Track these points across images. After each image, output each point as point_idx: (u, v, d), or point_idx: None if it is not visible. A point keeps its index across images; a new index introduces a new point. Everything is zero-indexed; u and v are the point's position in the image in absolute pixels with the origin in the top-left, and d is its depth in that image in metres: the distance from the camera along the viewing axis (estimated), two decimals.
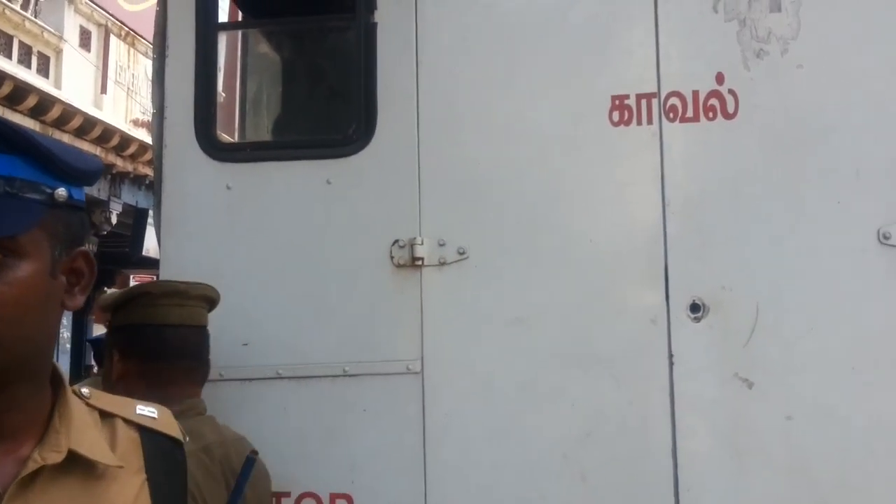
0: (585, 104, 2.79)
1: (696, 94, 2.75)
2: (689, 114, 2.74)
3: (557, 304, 2.71)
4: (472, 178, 2.82)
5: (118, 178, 13.83)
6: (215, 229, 2.89)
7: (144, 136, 15.12)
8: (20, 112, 10.75)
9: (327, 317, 2.79)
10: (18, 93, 10.55)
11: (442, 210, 2.80)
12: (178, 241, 2.90)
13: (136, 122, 18.39)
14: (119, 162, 13.39)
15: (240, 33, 3.66)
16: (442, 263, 2.76)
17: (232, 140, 3.40)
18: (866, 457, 2.58)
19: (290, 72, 3.63)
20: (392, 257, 2.78)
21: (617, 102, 2.77)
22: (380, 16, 2.88)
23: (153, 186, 3.00)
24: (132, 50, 19.26)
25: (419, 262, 2.76)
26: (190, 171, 2.91)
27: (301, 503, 2.72)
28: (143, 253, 14.58)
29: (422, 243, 2.76)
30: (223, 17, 3.38)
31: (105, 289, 17.74)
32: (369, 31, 2.87)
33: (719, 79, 2.74)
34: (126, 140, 13.33)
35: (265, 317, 2.82)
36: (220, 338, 2.79)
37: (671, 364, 2.63)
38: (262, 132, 3.66)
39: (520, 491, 2.65)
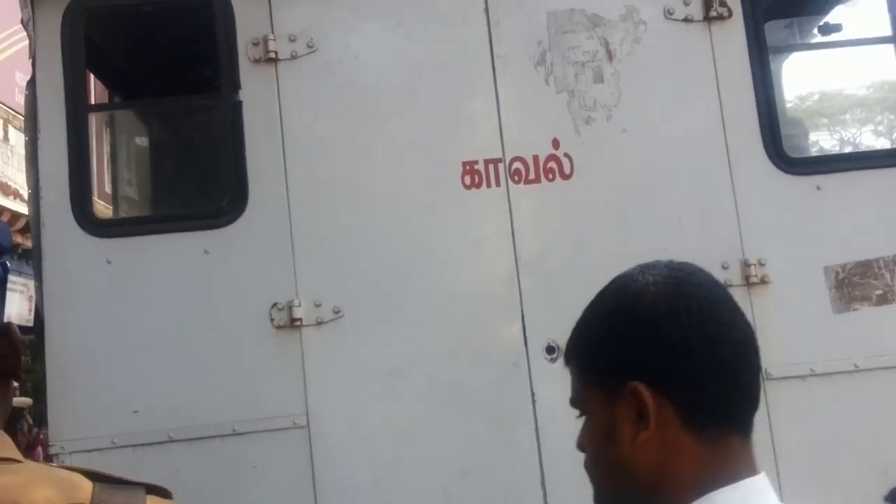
0: (439, 170, 3.06)
1: (536, 158, 3.07)
2: (532, 176, 3.07)
3: (427, 354, 2.97)
4: (342, 241, 3.05)
5: None
6: (98, 302, 2.99)
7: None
8: None
9: (214, 379, 2.95)
10: None
11: (316, 273, 3.01)
12: (61, 316, 2.98)
13: None
14: None
15: (111, 114, 3.77)
16: (319, 323, 2.98)
17: (109, 216, 3.49)
18: None
19: (163, 148, 3.75)
20: (272, 319, 2.97)
21: (468, 167, 3.05)
22: (244, 94, 3.05)
23: (32, 263, 3.10)
24: None
25: (298, 323, 2.96)
26: (69, 248, 2.99)
27: None
28: (5, 320, 14.06)
29: (299, 305, 2.97)
30: (94, 97, 3.51)
31: None
32: (235, 110, 3.04)
33: (555, 144, 3.08)
34: None
35: (154, 383, 2.95)
36: (111, 407, 2.93)
37: (534, 402, 2.94)
38: (139, 207, 3.77)
39: None
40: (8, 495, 1.35)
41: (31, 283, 15.31)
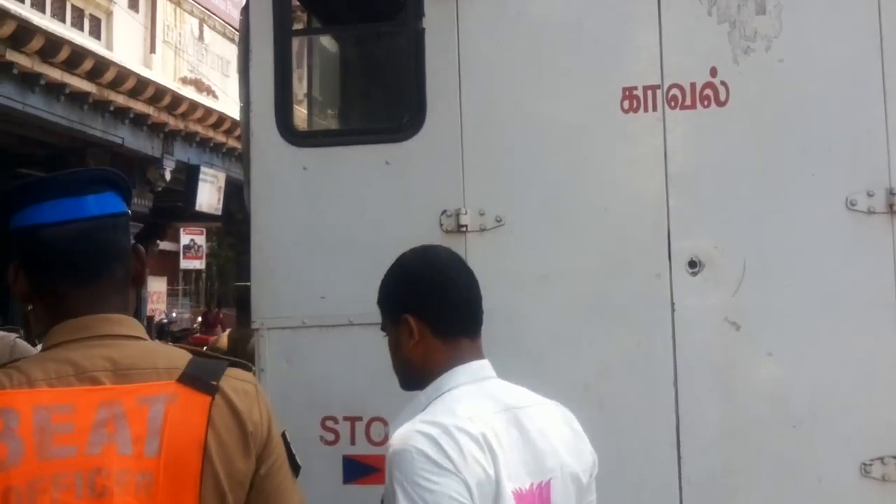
0: (600, 95, 3.29)
1: (693, 85, 3.26)
2: (688, 102, 3.25)
3: (578, 263, 3.27)
4: (507, 157, 3.36)
5: (170, 137, 14.38)
6: (295, 203, 3.46)
7: (194, 95, 15.77)
8: (78, 75, 11.30)
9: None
10: (75, 57, 11.08)
11: (482, 185, 3.34)
12: (265, 214, 3.48)
13: (184, 80, 18.98)
14: (171, 121, 13.89)
15: (309, 38, 4.24)
16: (482, 229, 3.32)
17: (306, 129, 3.97)
18: (832, 388, 3.16)
19: (353, 70, 4.19)
20: (441, 225, 3.36)
21: (627, 93, 3.28)
22: (427, 22, 3.39)
23: (242, 166, 3.61)
24: (178, 9, 19.84)
25: (464, 229, 3.32)
26: (272, 155, 3.47)
27: (371, 425, 3.37)
28: (197, 208, 15.30)
29: (466, 213, 3.32)
30: (297, 24, 3.97)
31: (158, 241, 18.56)
32: (419, 36, 3.39)
33: (713, 72, 3.24)
34: (177, 99, 13.83)
35: (339, 274, 3.41)
36: (303, 293, 3.42)
37: (673, 311, 3.19)
38: (332, 121, 4.25)
39: None
40: (132, 360, 1.78)
41: (221, 175, 16.16)
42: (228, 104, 19.74)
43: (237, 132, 15.48)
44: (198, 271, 27.08)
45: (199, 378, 1.80)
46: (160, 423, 1.72)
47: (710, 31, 3.25)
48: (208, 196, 15.54)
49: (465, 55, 3.39)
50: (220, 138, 15.43)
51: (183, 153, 14.89)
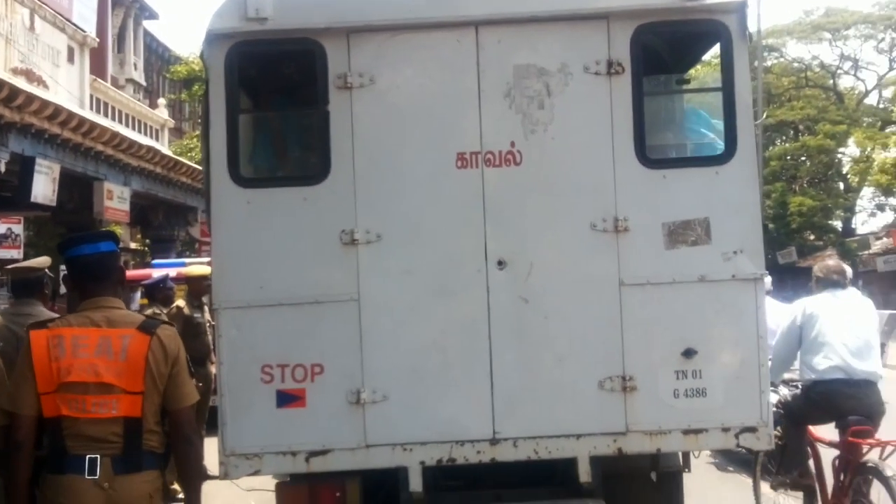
0: (443, 157, 5.09)
1: (500, 152, 5.11)
2: (497, 162, 5.09)
3: (428, 263, 5.06)
4: (383, 196, 5.13)
5: (5, 129, 14.67)
6: (241, 226, 5.08)
7: (24, 85, 15.73)
8: None
9: (306, 271, 5.16)
10: None
11: (368, 214, 5.04)
12: (220, 233, 5.11)
13: (15, 71, 19.36)
14: (7, 113, 14.13)
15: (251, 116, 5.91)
16: (368, 242, 5.05)
17: (250, 175, 5.64)
18: (581, 336, 5.15)
19: (282, 135, 5.92)
20: (341, 240, 5.09)
21: (459, 156, 5.09)
22: (331, 107, 5.12)
23: (204, 202, 5.32)
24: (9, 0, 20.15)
25: (356, 242, 5.04)
26: (225, 193, 5.10)
27: (295, 370, 5.03)
28: (32, 199, 15.88)
29: (357, 231, 5.04)
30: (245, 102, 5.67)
31: None
32: (325, 116, 5.12)
33: (512, 144, 5.09)
34: (14, 92, 14.10)
35: (271, 273, 5.05)
36: (248, 282, 5.10)
37: (488, 292, 5.06)
38: (267, 171, 5.94)
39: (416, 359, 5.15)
40: (116, 318, 3.95)
41: (56, 167, 16.38)
42: (60, 94, 20.11)
43: (73, 123, 16.17)
44: (15, 261, 27.08)
45: (146, 328, 3.91)
46: (126, 346, 3.82)
47: (511, 119, 5.16)
48: (43, 187, 15.71)
49: (356, 127, 5.16)
50: (55, 130, 15.69)
51: (17, 145, 14.90)
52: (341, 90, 5.18)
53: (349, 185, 5.16)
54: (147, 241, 25.74)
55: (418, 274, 5.14)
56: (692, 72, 6.82)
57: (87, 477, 3.71)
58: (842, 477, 6.43)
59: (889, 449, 6.14)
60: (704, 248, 5.12)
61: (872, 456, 6.16)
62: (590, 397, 5.10)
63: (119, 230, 23.92)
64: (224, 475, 5.03)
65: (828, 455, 6.78)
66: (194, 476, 4.06)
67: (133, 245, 27.07)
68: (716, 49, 5.52)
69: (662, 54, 5.99)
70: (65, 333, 3.82)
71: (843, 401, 6.30)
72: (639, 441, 5.09)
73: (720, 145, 5.30)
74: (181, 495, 4.08)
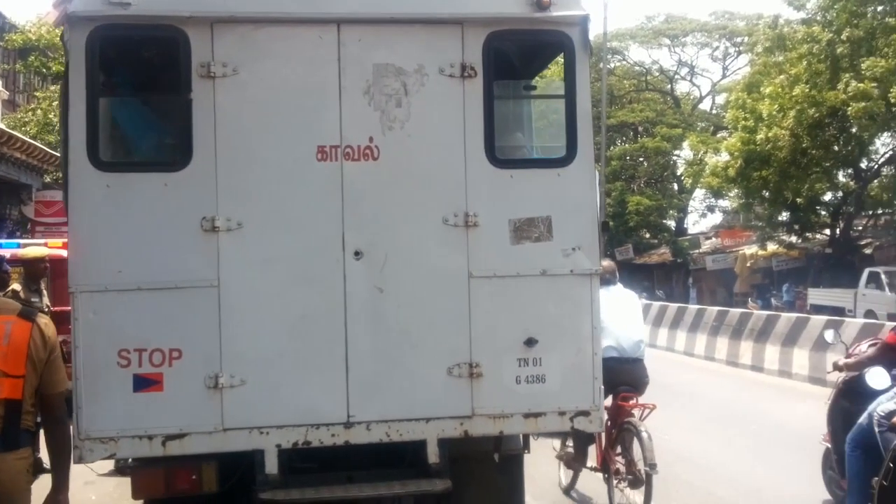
0: (304, 149, 5.28)
1: (359, 146, 5.35)
2: (356, 157, 5.33)
3: (289, 251, 5.25)
4: (245, 185, 5.26)
5: None
6: (100, 210, 5.11)
7: None
8: None
9: (166, 255, 5.22)
10: None
11: (229, 202, 5.17)
12: (78, 216, 5.12)
13: None
14: None
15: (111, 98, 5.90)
16: (229, 230, 5.19)
17: (110, 159, 5.66)
18: (431, 324, 5.43)
19: (144, 118, 5.93)
20: (202, 227, 5.20)
21: (320, 149, 5.30)
22: (194, 95, 5.22)
23: (62, 186, 5.32)
24: None
25: (217, 229, 5.18)
26: (85, 177, 5.14)
27: (153, 354, 5.20)
28: None
29: (219, 219, 5.16)
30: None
31: None
32: (188, 103, 5.21)
33: (370, 140, 5.34)
34: None
35: (129, 254, 5.11)
36: (105, 266, 5.16)
37: (345, 281, 5.28)
38: (129, 155, 5.97)
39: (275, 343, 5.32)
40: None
41: None
42: None
43: None
44: None
45: (27, 315, 4.04)
46: (9, 332, 3.95)
47: (370, 115, 5.39)
48: None
49: (218, 116, 5.27)
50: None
51: None
52: (204, 79, 5.29)
53: (211, 172, 5.28)
54: None
55: (278, 262, 5.32)
56: (538, 78, 7.23)
57: None
58: (612, 434, 7.80)
59: (646, 412, 7.65)
60: (546, 245, 5.51)
61: (634, 419, 7.56)
62: (439, 383, 5.42)
63: None
64: (78, 459, 5.05)
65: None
66: (66, 454, 4.23)
67: None
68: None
69: (512, 60, 6.36)
70: None
71: (616, 375, 7.42)
72: (483, 424, 5.44)
73: (562, 148, 5.65)
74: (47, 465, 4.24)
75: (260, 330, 5.28)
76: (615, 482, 7.72)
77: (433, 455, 5.33)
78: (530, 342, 5.46)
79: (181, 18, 5.29)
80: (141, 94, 6.20)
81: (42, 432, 4.24)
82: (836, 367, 7.77)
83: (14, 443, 4.00)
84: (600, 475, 8.06)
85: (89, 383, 5.09)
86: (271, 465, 5.18)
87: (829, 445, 7.84)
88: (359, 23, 5.47)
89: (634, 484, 7.43)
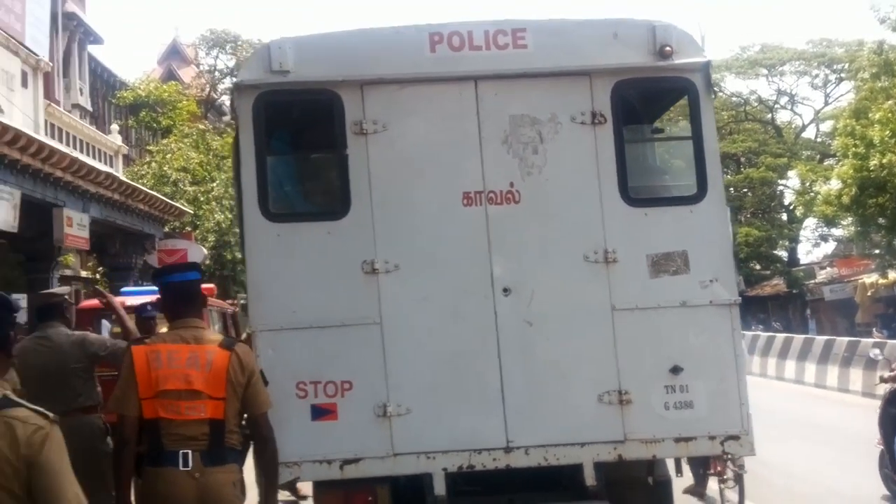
0: (450, 196, 5.75)
1: (501, 191, 5.77)
2: (499, 201, 5.76)
3: (442, 290, 5.72)
4: (400, 231, 5.81)
5: None
6: (273, 257, 5.69)
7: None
8: None
9: (335, 297, 5.71)
10: None
11: (386, 246, 5.68)
12: (255, 263, 5.71)
13: None
14: None
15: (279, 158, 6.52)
16: (387, 272, 5.66)
17: (279, 211, 6.22)
18: (581, 355, 5.75)
19: (308, 175, 6.60)
20: (363, 269, 5.74)
21: (465, 195, 5.76)
22: (349, 151, 5.79)
23: (238, 234, 5.93)
24: None
25: (377, 271, 5.68)
26: (258, 227, 5.72)
27: (326, 386, 5.69)
28: None
29: (377, 262, 5.67)
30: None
31: None
32: (344, 159, 5.78)
33: (511, 185, 5.78)
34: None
35: (303, 299, 5.66)
36: (281, 309, 5.68)
37: (496, 317, 5.70)
38: (295, 207, 6.56)
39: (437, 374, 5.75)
40: (201, 335, 4.69)
41: (16, 192, 15.88)
42: (16, 119, 19.82)
43: (32, 149, 15.59)
44: None
45: (227, 345, 4.54)
46: (211, 360, 4.45)
47: (509, 162, 5.84)
48: (4, 214, 14.75)
49: (372, 169, 5.80)
50: (15, 155, 14.80)
51: None
52: (357, 135, 5.85)
53: (368, 219, 5.81)
54: (100, 268, 25.69)
55: (433, 300, 5.79)
56: (663, 118, 7.62)
57: (181, 468, 4.37)
58: None
59: None
60: (684, 277, 5.84)
61: None
62: (591, 409, 5.76)
63: (70, 258, 24.01)
64: None
65: None
66: (273, 469, 4.77)
67: (83, 273, 27.07)
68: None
69: (638, 105, 6.76)
70: (161, 349, 4.53)
71: None
72: (636, 448, 5.76)
73: (693, 186, 6.00)
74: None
75: (420, 362, 5.73)
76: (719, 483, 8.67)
77: (590, 478, 5.63)
78: (676, 370, 5.76)
79: (335, 82, 5.87)
80: (302, 151, 6.82)
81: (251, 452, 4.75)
82: (882, 380, 9.66)
83: (220, 458, 4.52)
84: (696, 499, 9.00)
85: (273, 413, 5.59)
86: (440, 488, 5.58)
87: (883, 447, 9.41)
88: (494, 78, 5.94)
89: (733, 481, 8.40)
